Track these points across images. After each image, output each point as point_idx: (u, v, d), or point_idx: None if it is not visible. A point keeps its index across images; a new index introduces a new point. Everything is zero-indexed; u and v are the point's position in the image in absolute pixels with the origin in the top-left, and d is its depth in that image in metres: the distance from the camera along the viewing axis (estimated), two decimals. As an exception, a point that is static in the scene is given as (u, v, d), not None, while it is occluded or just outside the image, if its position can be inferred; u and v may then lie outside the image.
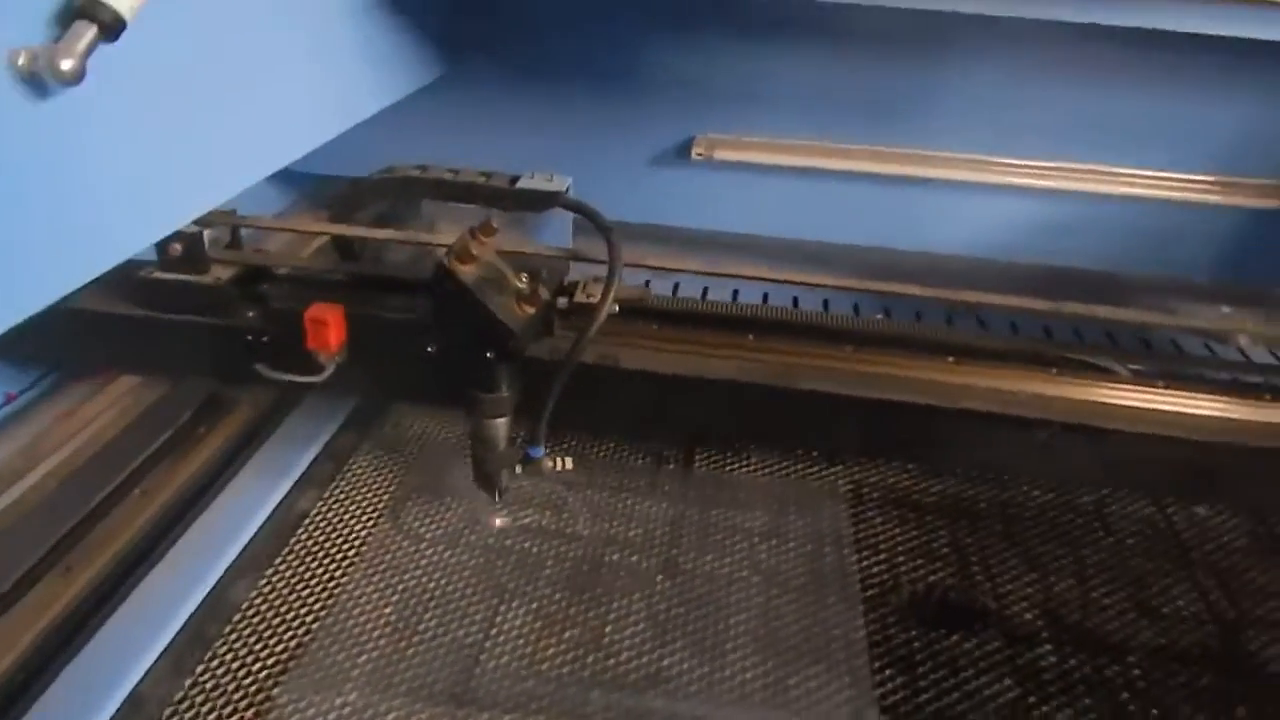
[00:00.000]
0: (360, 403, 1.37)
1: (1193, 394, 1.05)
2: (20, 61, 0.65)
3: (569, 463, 1.07)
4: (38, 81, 0.66)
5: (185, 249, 1.03)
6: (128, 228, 0.81)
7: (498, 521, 1.18)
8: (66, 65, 0.65)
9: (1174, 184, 1.43)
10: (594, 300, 1.02)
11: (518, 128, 1.53)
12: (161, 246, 1.04)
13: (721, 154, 1.55)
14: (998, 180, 1.48)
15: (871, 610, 1.07)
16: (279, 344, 1.09)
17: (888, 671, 0.99)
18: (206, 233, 1.06)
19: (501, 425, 1.02)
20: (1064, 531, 1.23)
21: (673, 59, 1.46)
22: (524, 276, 0.93)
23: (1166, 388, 1.06)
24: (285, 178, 1.57)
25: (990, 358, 1.09)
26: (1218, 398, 1.05)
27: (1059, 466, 1.10)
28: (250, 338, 1.09)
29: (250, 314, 1.10)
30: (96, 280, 0.71)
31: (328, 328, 1.01)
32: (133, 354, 1.14)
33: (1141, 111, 1.37)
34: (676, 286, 1.36)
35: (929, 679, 0.99)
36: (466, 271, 0.89)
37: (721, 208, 1.59)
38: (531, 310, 0.91)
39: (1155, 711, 0.97)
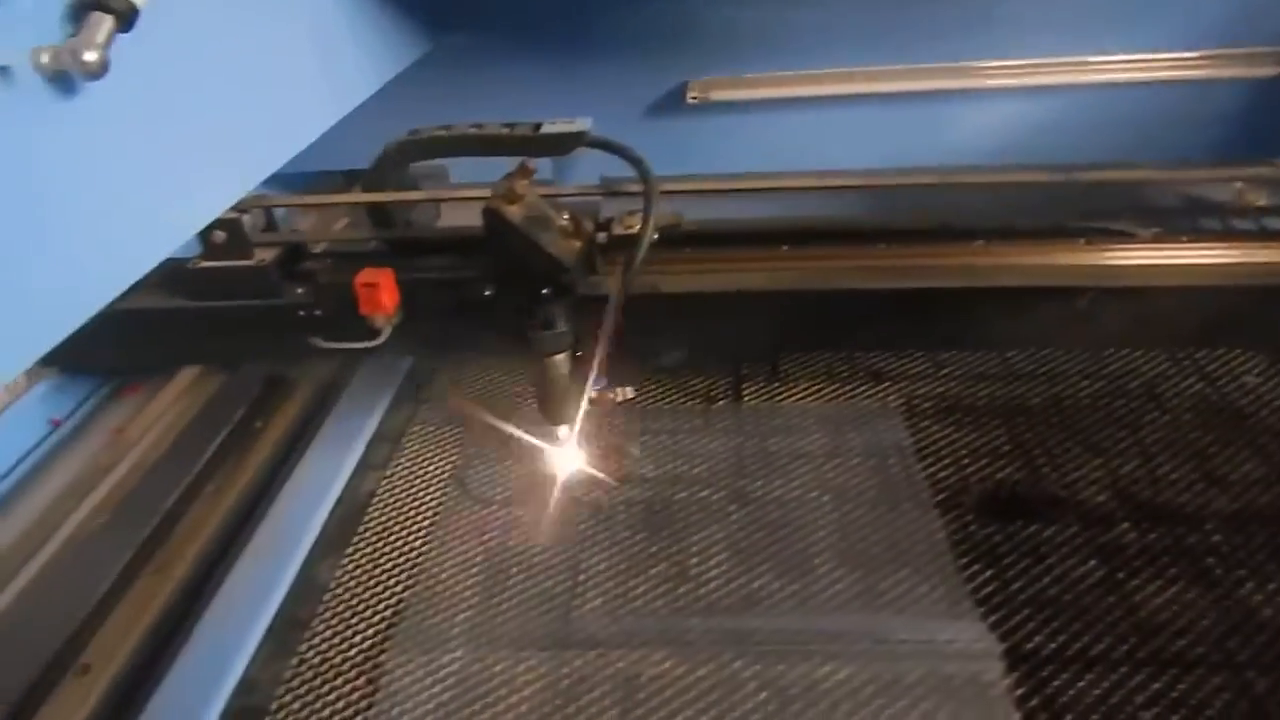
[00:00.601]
0: (410, 376, 1.38)
1: (1216, 245, 1.07)
2: (44, 60, 0.65)
3: (630, 391, 1.09)
4: (64, 79, 0.66)
5: (228, 235, 1.04)
6: (177, 216, 0.82)
7: (561, 476, 1.18)
8: (90, 57, 0.64)
9: (1167, 64, 1.43)
10: (632, 231, 1.03)
11: (507, 97, 1.53)
12: (204, 236, 1.05)
13: (717, 94, 1.54)
14: (990, 84, 1.47)
15: (946, 513, 1.08)
16: (332, 315, 1.12)
17: (974, 567, 1.00)
18: (245, 217, 1.07)
19: (563, 361, 1.04)
20: (1119, 416, 1.23)
21: (656, 7, 1.45)
22: (565, 214, 0.94)
23: (1190, 243, 1.08)
24: (276, 180, 1.58)
25: (1019, 237, 1.11)
26: (1241, 246, 1.08)
27: (1100, 331, 1.11)
28: (302, 313, 1.12)
29: (299, 290, 1.13)
30: (141, 279, 0.73)
31: (380, 290, 1.04)
32: (188, 346, 1.18)
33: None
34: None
35: (1016, 569, 1.00)
36: (514, 212, 0.90)
37: (723, 152, 1.59)
38: (578, 244, 0.93)
39: (1242, 572, 0.98)
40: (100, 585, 0.90)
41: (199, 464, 1.08)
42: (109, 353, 1.20)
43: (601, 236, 1.07)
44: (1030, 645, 0.91)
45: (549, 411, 1.09)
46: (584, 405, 1.08)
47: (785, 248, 1.11)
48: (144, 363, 1.31)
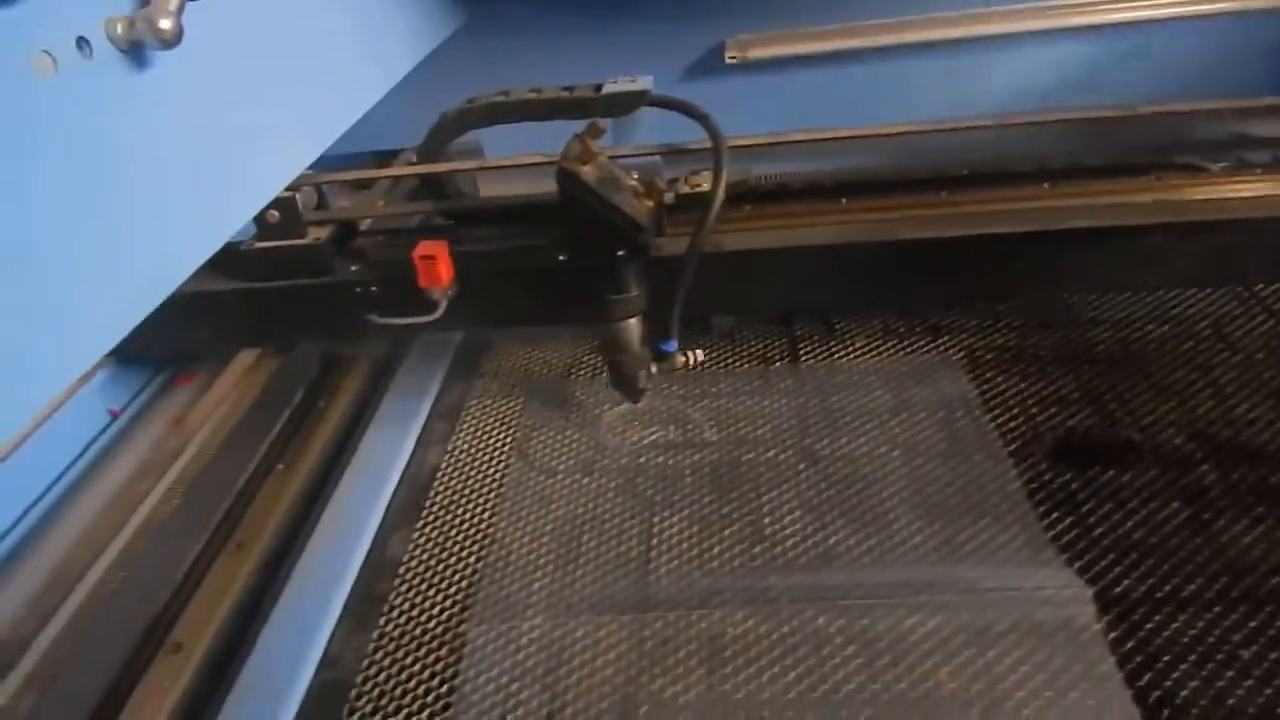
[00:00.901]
0: (464, 349, 1.38)
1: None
2: (119, 30, 0.64)
3: (700, 355, 1.09)
4: (138, 50, 0.66)
5: (281, 214, 1.03)
6: (243, 193, 0.81)
7: (625, 444, 1.18)
8: (165, 24, 0.64)
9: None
10: (700, 190, 1.02)
11: (544, 66, 1.50)
12: (258, 217, 1.04)
13: (756, 52, 1.52)
14: (1042, 26, 1.44)
15: (1020, 462, 1.07)
16: (389, 290, 1.11)
17: (1054, 515, 0.99)
18: (297, 196, 1.06)
19: (634, 325, 1.03)
20: (1189, 358, 1.21)
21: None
22: (634, 175, 0.93)
23: (1264, 174, 1.05)
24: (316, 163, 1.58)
25: (1085, 176, 1.08)
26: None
27: (1176, 270, 1.08)
28: (359, 290, 1.12)
29: (354, 268, 1.13)
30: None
31: (437, 263, 1.03)
32: (245, 328, 1.18)
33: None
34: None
35: (1096, 515, 0.98)
36: (588, 173, 0.88)
37: (764, 112, 1.56)
38: (650, 204, 0.91)
39: (1331, 507, 0.96)
40: (181, 566, 0.90)
41: (264, 445, 1.08)
42: (166, 339, 1.19)
43: (669, 197, 1.06)
44: (1119, 589, 0.89)
45: (620, 378, 1.08)
46: (654, 370, 1.08)
47: (844, 200, 1.09)
48: (201, 347, 1.31)
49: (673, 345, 1.05)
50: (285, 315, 1.15)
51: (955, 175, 1.12)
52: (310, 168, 0.95)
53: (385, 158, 1.66)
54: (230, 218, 0.77)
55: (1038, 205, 1.05)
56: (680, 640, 0.89)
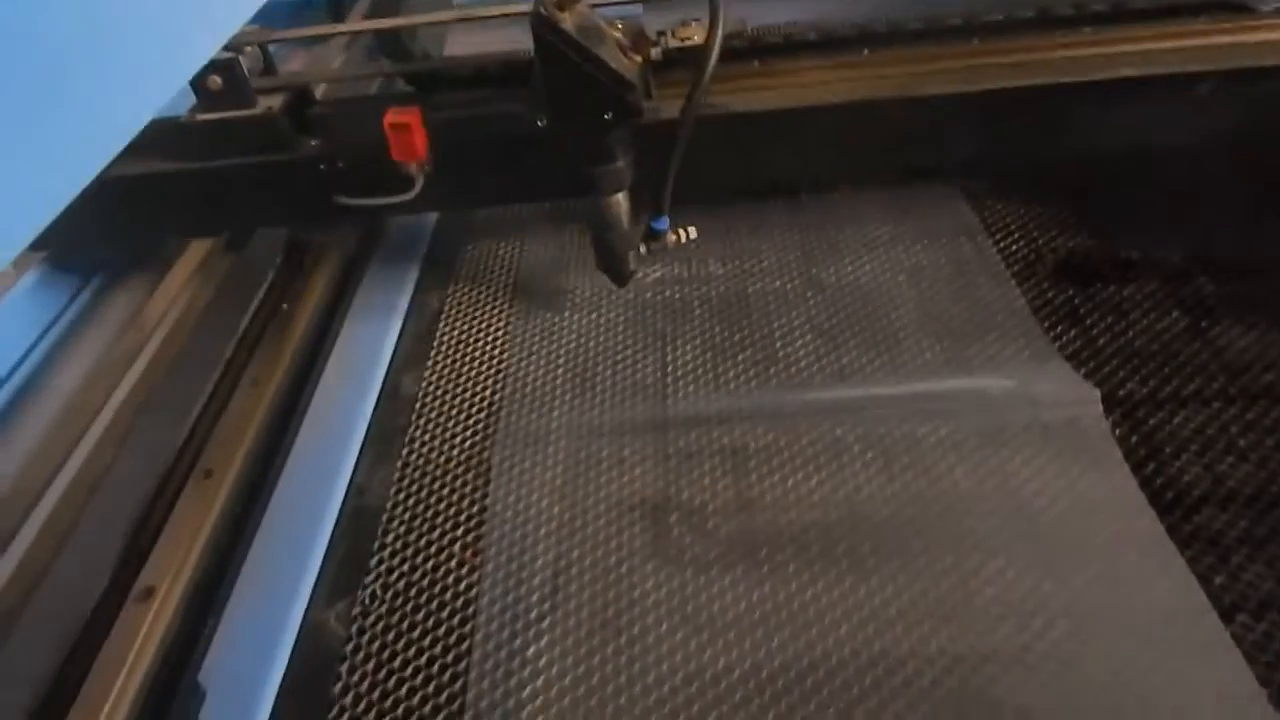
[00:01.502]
0: (442, 229, 1.33)
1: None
2: None
3: (693, 232, 1.04)
4: None
5: (225, 80, 0.93)
6: (173, 51, 0.67)
7: (633, 281, 1.17)
8: None
9: None
10: (691, 43, 0.95)
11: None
12: (197, 84, 0.94)
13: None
14: None
15: (1023, 283, 1.08)
16: (357, 167, 1.00)
17: (1059, 327, 1.01)
18: (240, 58, 0.95)
19: (623, 200, 0.98)
20: (1185, 179, 1.22)
21: None
22: (619, 24, 0.86)
23: None
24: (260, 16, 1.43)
25: (1128, 20, 1.04)
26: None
27: (1223, 121, 1.05)
28: (324, 167, 1.00)
29: (314, 142, 1.01)
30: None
31: (411, 132, 0.93)
32: (193, 216, 1.04)
33: None
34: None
35: (1100, 326, 1.01)
36: (565, 21, 0.81)
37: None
38: (639, 60, 0.84)
39: (1321, 310, 0.99)
40: (199, 399, 0.89)
41: (256, 297, 1.04)
42: (103, 231, 1.05)
43: (656, 52, 0.96)
44: (1123, 392, 0.93)
45: (607, 258, 1.04)
46: (644, 250, 1.04)
47: (866, 52, 1.02)
48: (145, 240, 1.18)
49: (664, 223, 1.00)
50: (240, 199, 1.04)
51: (989, 22, 1.05)
52: (252, 22, 0.83)
53: (343, 8, 1.54)
54: (160, 80, 0.64)
55: (1081, 54, 0.99)
56: (704, 455, 0.91)
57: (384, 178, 0.96)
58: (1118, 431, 0.88)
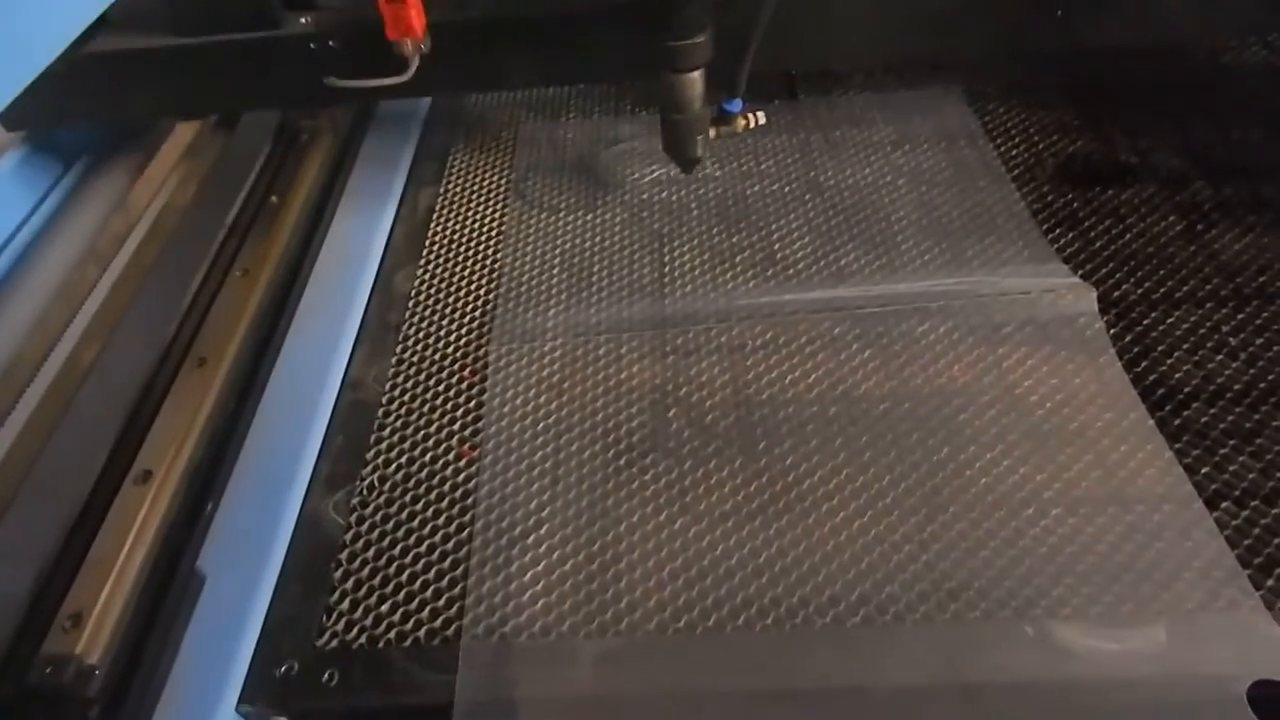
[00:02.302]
0: (436, 100, 1.30)
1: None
2: None
3: (761, 117, 1.01)
4: None
5: None
6: None
7: (627, 180, 1.14)
8: None
9: None
10: None
11: None
12: None
13: None
14: None
15: (1023, 186, 1.07)
16: (350, 46, 0.96)
17: (1057, 230, 1.01)
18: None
19: (697, 79, 0.93)
20: (1185, 86, 1.21)
21: None
22: None
23: None
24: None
25: None
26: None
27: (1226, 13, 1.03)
28: (314, 46, 0.97)
29: (304, 19, 0.97)
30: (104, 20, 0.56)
31: (408, 6, 0.88)
32: (178, 96, 1.00)
33: None
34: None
35: (1097, 229, 1.01)
36: None
37: None
38: None
39: (1317, 216, 1.00)
40: (190, 284, 0.87)
41: (247, 183, 1.01)
42: (84, 111, 1.01)
43: None
44: (1118, 293, 0.93)
45: (675, 141, 0.99)
46: (713, 135, 1.00)
47: None
48: (129, 119, 1.14)
49: (738, 104, 0.96)
50: (225, 79, 1.00)
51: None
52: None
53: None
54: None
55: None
56: (702, 352, 0.91)
57: (378, 58, 0.92)
58: (1112, 331, 0.89)
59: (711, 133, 1.00)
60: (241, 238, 0.96)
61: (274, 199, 1.03)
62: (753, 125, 1.01)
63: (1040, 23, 1.05)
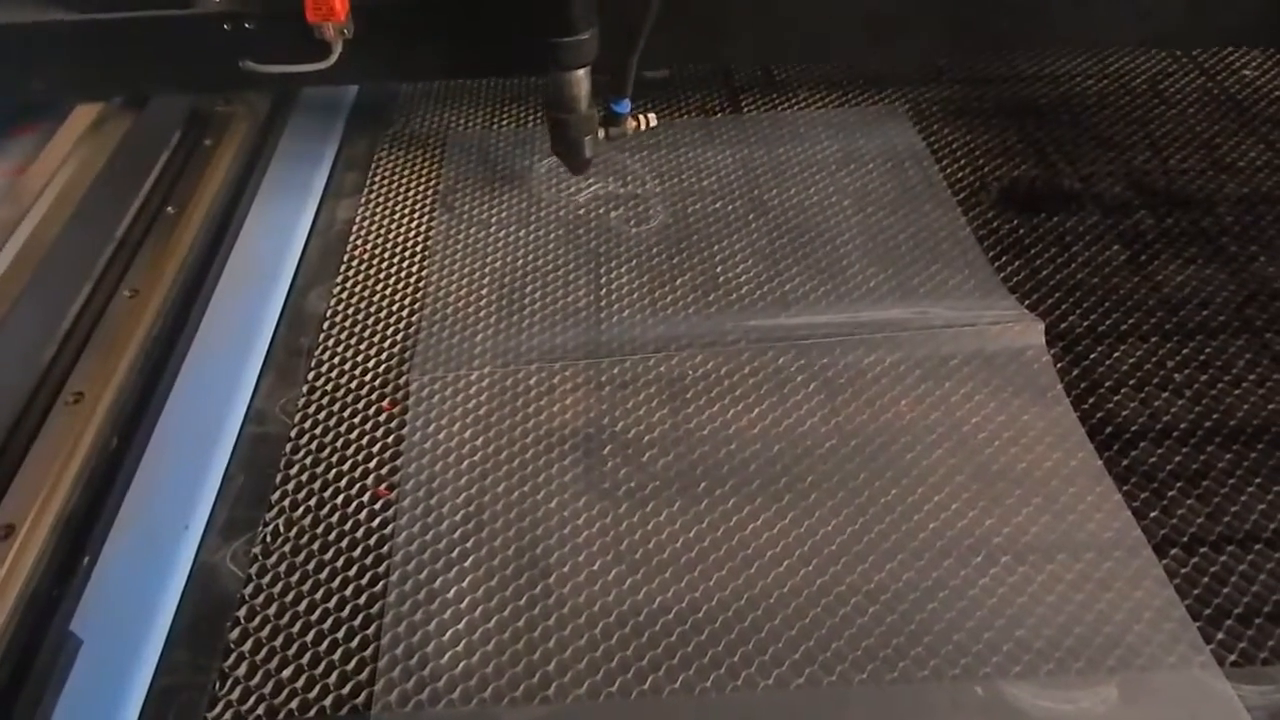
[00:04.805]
0: (359, 101, 1.22)
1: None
2: None
3: (653, 119, 0.98)
4: None
5: None
6: None
7: (562, 196, 1.08)
8: None
9: None
10: None
11: None
12: None
13: None
14: None
15: (968, 210, 1.05)
16: (268, 27, 0.91)
17: (1004, 258, 0.99)
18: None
19: (583, 78, 0.89)
20: (1126, 112, 1.20)
21: None
22: None
23: None
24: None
25: None
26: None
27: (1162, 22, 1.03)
28: (228, 27, 0.91)
29: None
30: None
31: None
32: (80, 76, 0.93)
33: None
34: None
35: (1043, 257, 0.99)
36: None
37: None
38: None
39: (1254, 247, 1.00)
40: (70, 307, 0.77)
41: (144, 188, 0.92)
42: None
43: None
44: (1064, 324, 0.91)
45: (564, 142, 0.96)
46: (602, 136, 0.96)
47: None
48: (22, 99, 1.05)
49: (626, 105, 0.93)
50: (132, 60, 0.93)
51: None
52: None
53: None
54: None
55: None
56: (640, 384, 0.86)
57: (298, 41, 0.86)
58: (1059, 365, 0.87)
59: (601, 134, 0.97)
60: (133, 252, 0.87)
61: (170, 209, 0.93)
62: (644, 127, 0.99)
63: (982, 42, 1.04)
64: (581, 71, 0.90)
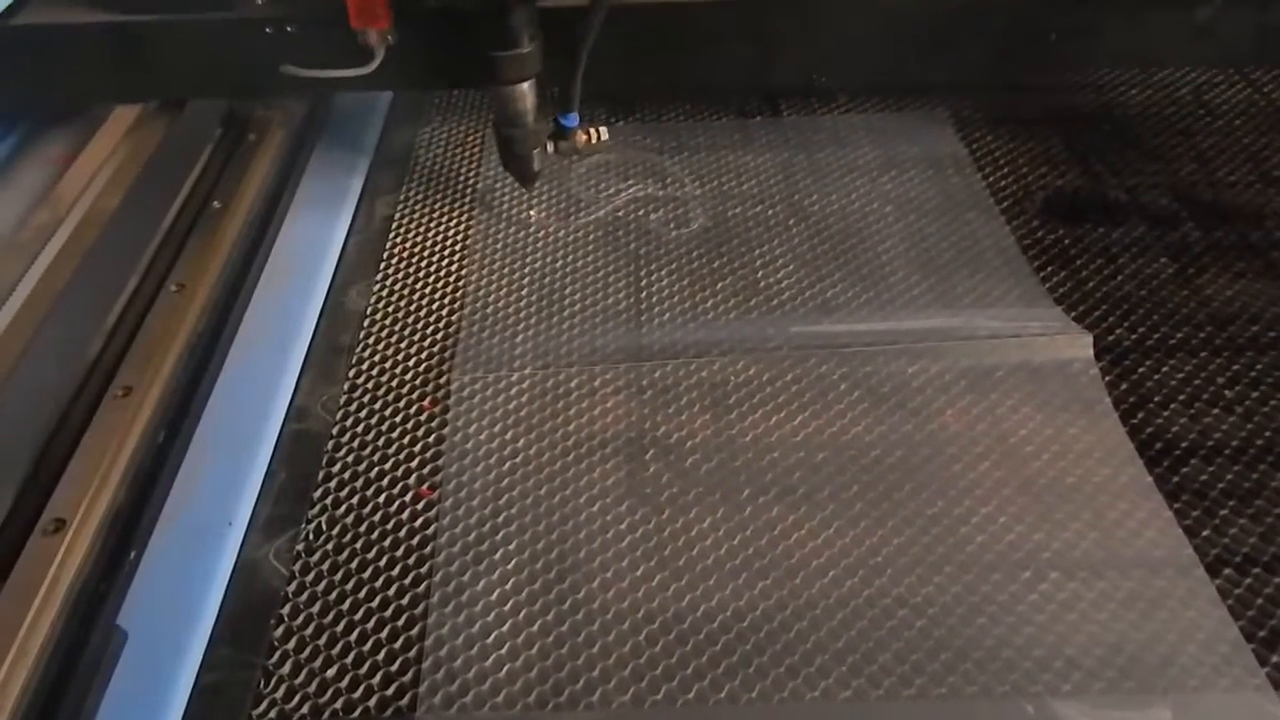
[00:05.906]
0: (398, 99, 1.22)
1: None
2: None
3: (604, 133, 0.96)
4: None
5: None
6: None
7: (601, 196, 1.08)
8: None
9: None
10: None
11: None
12: None
13: None
14: None
15: (1012, 219, 1.04)
16: (310, 32, 0.90)
17: (1049, 269, 0.98)
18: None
19: (528, 91, 0.89)
20: (1171, 123, 1.19)
21: None
22: None
23: None
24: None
25: None
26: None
27: (1217, 46, 1.01)
28: (270, 30, 0.90)
29: (259, 0, 0.91)
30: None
31: None
32: (118, 79, 0.92)
33: None
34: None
35: (1089, 269, 0.98)
36: None
37: None
38: None
39: (1305, 262, 0.98)
40: (117, 300, 0.77)
41: (187, 184, 0.92)
42: (7, 90, 0.95)
43: None
44: (1112, 338, 0.90)
45: (511, 156, 0.95)
46: (550, 150, 0.96)
47: None
48: (60, 101, 1.05)
49: (574, 119, 0.92)
50: (171, 63, 0.93)
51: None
52: None
53: None
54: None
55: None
56: (681, 388, 0.85)
57: (340, 47, 0.86)
58: (1106, 379, 0.86)
59: (549, 147, 0.96)
60: (178, 247, 0.87)
61: (216, 204, 0.93)
62: (595, 140, 0.97)
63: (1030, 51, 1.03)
64: (525, 85, 0.89)
